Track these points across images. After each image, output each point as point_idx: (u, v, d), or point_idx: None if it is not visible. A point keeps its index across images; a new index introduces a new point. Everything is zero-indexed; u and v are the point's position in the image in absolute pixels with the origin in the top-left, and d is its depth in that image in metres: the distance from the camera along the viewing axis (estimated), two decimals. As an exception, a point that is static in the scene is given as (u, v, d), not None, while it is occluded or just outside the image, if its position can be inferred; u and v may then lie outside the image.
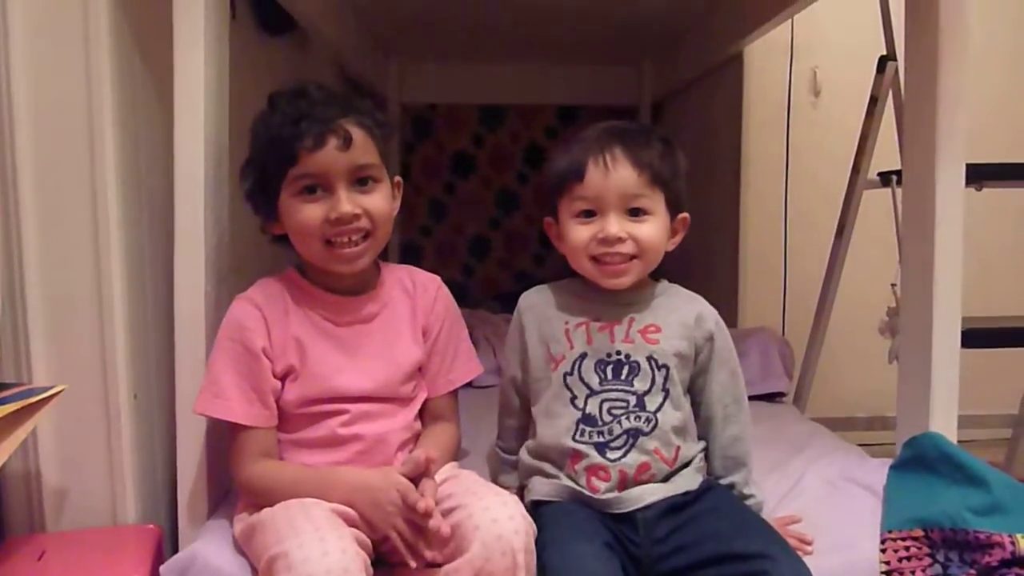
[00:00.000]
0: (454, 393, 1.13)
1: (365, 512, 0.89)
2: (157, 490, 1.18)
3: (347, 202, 0.98)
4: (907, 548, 0.96)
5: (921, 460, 1.08)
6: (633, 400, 0.98)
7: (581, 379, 1.00)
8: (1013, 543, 0.91)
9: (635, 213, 0.98)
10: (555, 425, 1.00)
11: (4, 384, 0.98)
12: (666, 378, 0.99)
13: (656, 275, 1.06)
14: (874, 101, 1.86)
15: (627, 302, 1.02)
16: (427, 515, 0.86)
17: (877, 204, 1.86)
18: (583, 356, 1.00)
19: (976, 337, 1.30)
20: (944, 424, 1.13)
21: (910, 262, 1.20)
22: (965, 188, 1.14)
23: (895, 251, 1.45)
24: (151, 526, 1.11)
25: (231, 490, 1.08)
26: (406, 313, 1.09)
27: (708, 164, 2.25)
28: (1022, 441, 1.90)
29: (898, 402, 1.21)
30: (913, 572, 0.94)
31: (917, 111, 1.16)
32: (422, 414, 1.10)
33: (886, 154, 1.84)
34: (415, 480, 0.90)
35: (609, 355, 1.00)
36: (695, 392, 1.05)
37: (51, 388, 0.98)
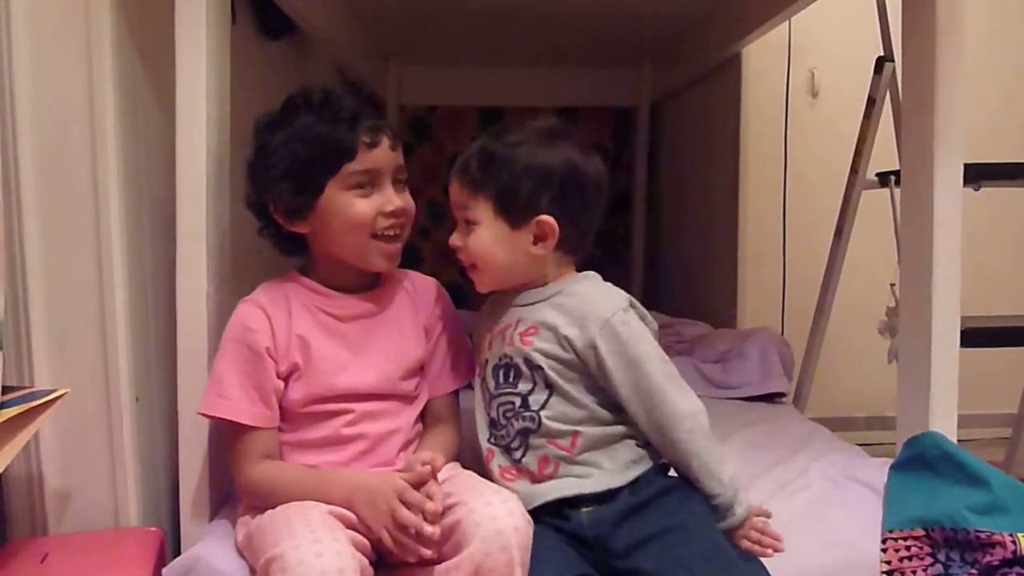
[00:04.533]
0: (455, 394, 1.14)
1: (361, 512, 0.90)
2: (159, 492, 1.18)
3: (397, 198, 1.04)
4: (908, 548, 0.96)
5: (921, 459, 1.08)
6: (518, 401, 0.99)
7: (484, 384, 1.03)
8: (1015, 542, 0.91)
9: (467, 223, 1.01)
10: (477, 426, 1.04)
11: (7, 387, 0.97)
12: (545, 377, 0.98)
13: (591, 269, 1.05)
14: (872, 102, 1.87)
15: (521, 304, 1.03)
16: (434, 516, 0.86)
17: (876, 204, 1.87)
18: (487, 361, 1.03)
19: (975, 336, 1.30)
20: (944, 423, 1.13)
21: (909, 262, 1.20)
22: (963, 188, 1.14)
23: (894, 251, 1.46)
24: (153, 529, 1.11)
25: (233, 492, 1.08)
26: (409, 312, 1.11)
27: (706, 165, 2.25)
28: (1022, 440, 1.91)
29: (898, 402, 1.21)
30: (915, 572, 0.94)
31: (914, 111, 1.17)
32: (423, 415, 1.11)
33: (884, 154, 1.85)
34: (417, 487, 0.90)
35: (501, 359, 1.01)
36: (610, 394, 0.98)
37: (53, 391, 0.98)
